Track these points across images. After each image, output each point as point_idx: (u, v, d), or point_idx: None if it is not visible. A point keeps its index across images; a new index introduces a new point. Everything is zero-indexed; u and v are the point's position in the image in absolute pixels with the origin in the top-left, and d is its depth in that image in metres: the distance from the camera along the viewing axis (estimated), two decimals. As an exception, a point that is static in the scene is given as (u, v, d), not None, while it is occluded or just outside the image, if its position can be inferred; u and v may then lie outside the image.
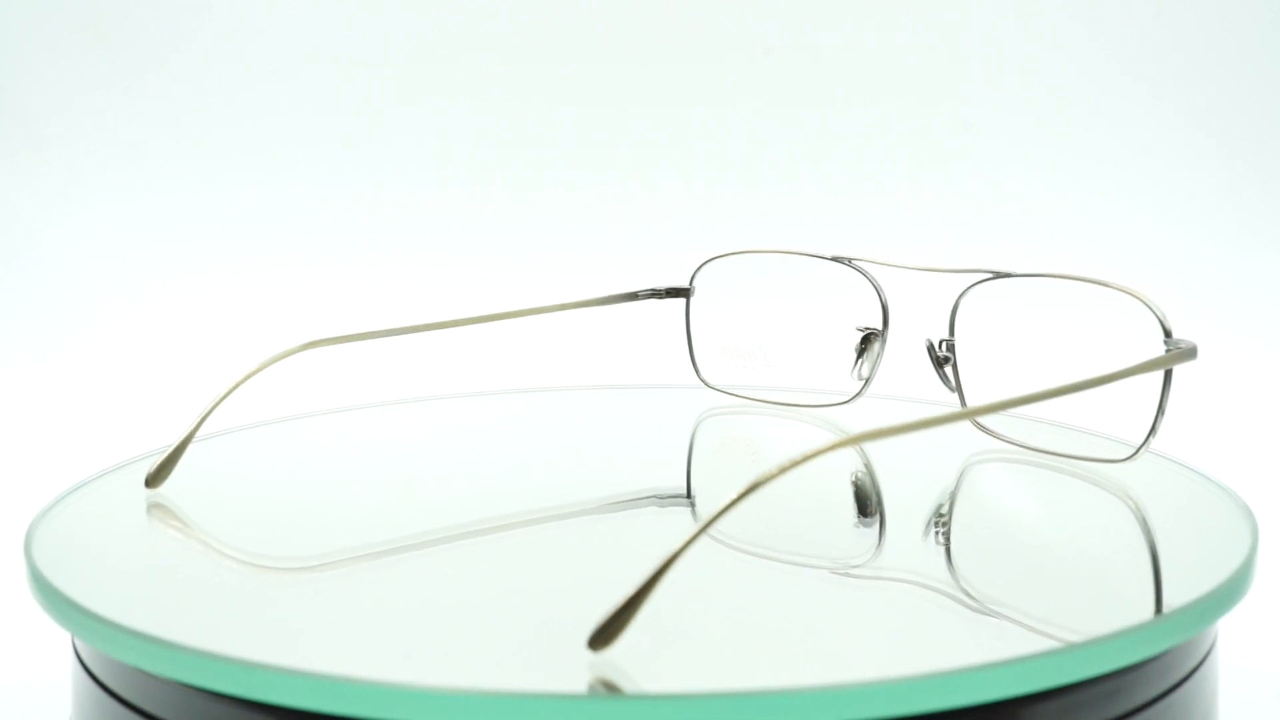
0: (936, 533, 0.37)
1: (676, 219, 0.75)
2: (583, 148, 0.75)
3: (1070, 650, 0.30)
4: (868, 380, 0.45)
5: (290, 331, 0.71)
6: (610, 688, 0.29)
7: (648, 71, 0.76)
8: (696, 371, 0.49)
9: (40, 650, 0.44)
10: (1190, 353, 0.39)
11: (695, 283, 0.49)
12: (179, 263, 0.74)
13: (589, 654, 0.29)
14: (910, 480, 0.43)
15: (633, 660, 0.30)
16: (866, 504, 0.41)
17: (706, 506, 0.40)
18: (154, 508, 0.39)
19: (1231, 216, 0.72)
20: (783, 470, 0.30)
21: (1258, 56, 0.73)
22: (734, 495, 0.30)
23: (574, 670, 0.29)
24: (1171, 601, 0.31)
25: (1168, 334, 0.39)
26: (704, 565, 0.36)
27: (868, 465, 0.43)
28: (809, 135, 0.75)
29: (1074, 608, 0.33)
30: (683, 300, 0.49)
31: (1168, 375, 0.39)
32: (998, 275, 0.42)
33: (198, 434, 0.42)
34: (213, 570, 0.36)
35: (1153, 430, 0.40)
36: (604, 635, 0.29)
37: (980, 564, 0.36)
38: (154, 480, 0.41)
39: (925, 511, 0.40)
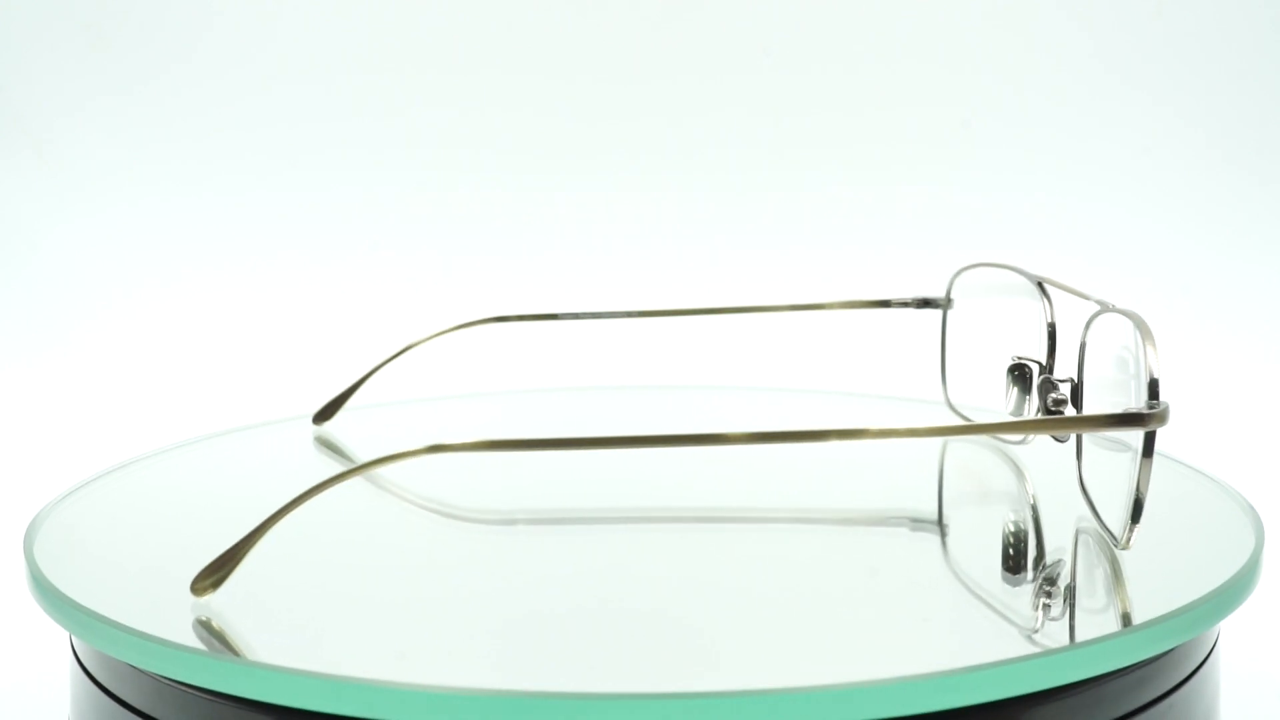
0: (1045, 602, 0.34)
1: (676, 223, 0.75)
2: (572, 155, 0.75)
3: (1070, 650, 0.30)
4: None
5: (293, 333, 0.72)
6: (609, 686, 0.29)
7: (644, 72, 0.76)
8: (945, 390, 0.45)
9: (40, 650, 0.44)
10: (1139, 419, 0.33)
11: (952, 294, 0.45)
12: (180, 263, 0.74)
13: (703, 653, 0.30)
14: (924, 479, 0.43)
15: (630, 658, 0.30)
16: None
17: (959, 535, 0.39)
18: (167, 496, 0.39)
19: (1231, 217, 0.72)
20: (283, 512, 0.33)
21: (1258, 57, 0.73)
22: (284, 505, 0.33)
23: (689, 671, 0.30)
24: (1174, 602, 0.31)
25: (1153, 395, 0.33)
26: (698, 557, 0.36)
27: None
28: (808, 136, 0.75)
29: (1075, 607, 0.33)
30: (926, 311, 0.46)
31: (1148, 443, 0.33)
32: (1105, 309, 0.36)
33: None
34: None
35: (1135, 515, 0.34)
36: (204, 582, 0.32)
37: (980, 562, 0.36)
38: (320, 418, 0.46)
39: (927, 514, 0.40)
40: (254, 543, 0.32)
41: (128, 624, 0.31)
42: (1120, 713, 0.31)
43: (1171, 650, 0.31)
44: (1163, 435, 0.43)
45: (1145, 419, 0.33)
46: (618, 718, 0.27)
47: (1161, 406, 0.33)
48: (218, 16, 0.75)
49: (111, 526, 0.38)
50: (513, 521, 0.40)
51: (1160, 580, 0.34)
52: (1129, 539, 0.34)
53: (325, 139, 0.75)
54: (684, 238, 0.74)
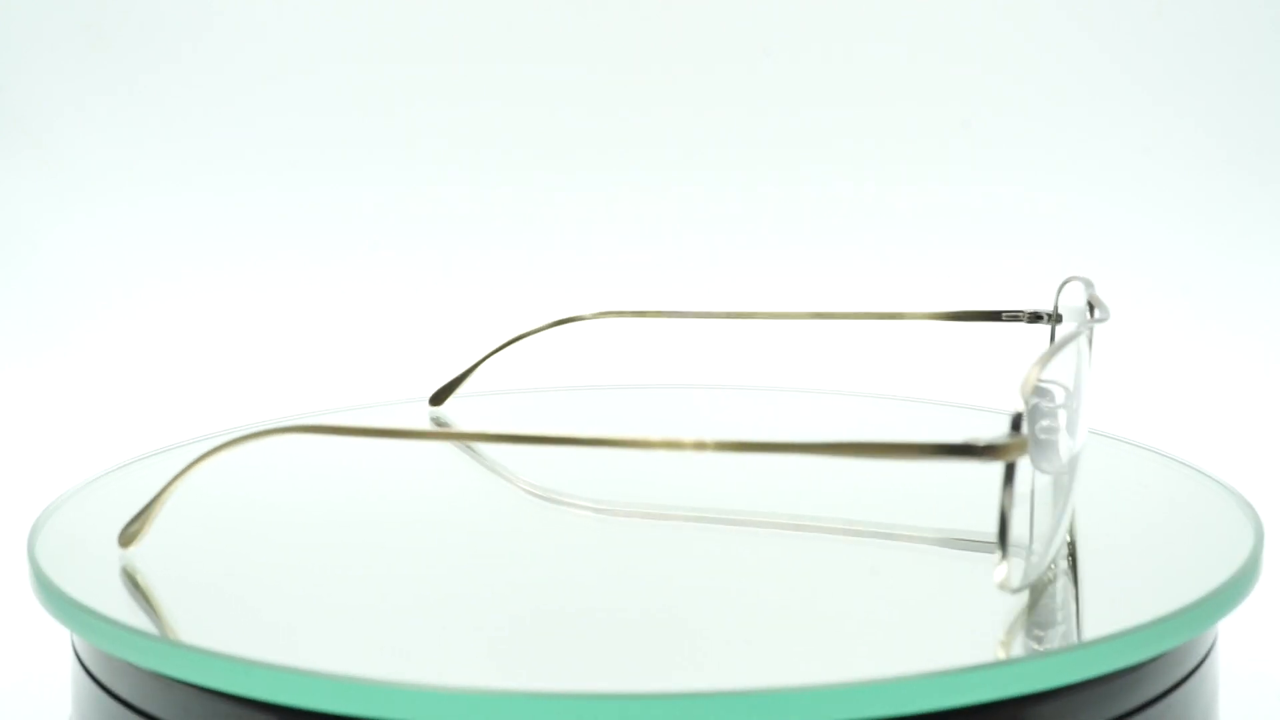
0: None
1: (676, 222, 0.75)
2: (573, 150, 0.75)
3: (1070, 650, 0.30)
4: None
5: (293, 333, 0.72)
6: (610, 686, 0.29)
7: (642, 72, 0.76)
8: None
9: (41, 649, 0.44)
10: (972, 450, 0.29)
11: (1060, 308, 0.42)
12: (180, 263, 0.74)
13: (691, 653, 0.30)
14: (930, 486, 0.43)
15: (634, 659, 0.30)
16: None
17: (964, 540, 0.37)
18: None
19: (1231, 217, 0.72)
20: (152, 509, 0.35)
21: (1258, 57, 0.73)
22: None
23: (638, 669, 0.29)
24: (1173, 602, 0.31)
25: (1016, 426, 0.30)
26: (700, 551, 0.36)
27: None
28: (807, 135, 0.75)
29: (1075, 608, 0.33)
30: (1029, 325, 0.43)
31: (1007, 473, 0.30)
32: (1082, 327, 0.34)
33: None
34: (213, 568, 0.36)
35: (1000, 540, 0.30)
36: (127, 535, 0.35)
37: (980, 563, 0.36)
38: (436, 399, 0.48)
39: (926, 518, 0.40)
40: (163, 501, 0.35)
41: (129, 623, 0.31)
42: (1119, 712, 0.31)
43: (1170, 650, 0.31)
44: (1163, 434, 0.43)
45: (982, 451, 0.29)
46: (614, 717, 0.28)
47: (1010, 439, 0.29)
48: (218, 16, 0.75)
49: (113, 526, 0.38)
50: (573, 504, 0.40)
51: (1160, 580, 0.34)
52: (1006, 577, 0.31)
53: (326, 138, 0.75)
54: (684, 237, 0.74)
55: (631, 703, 0.28)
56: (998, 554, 0.30)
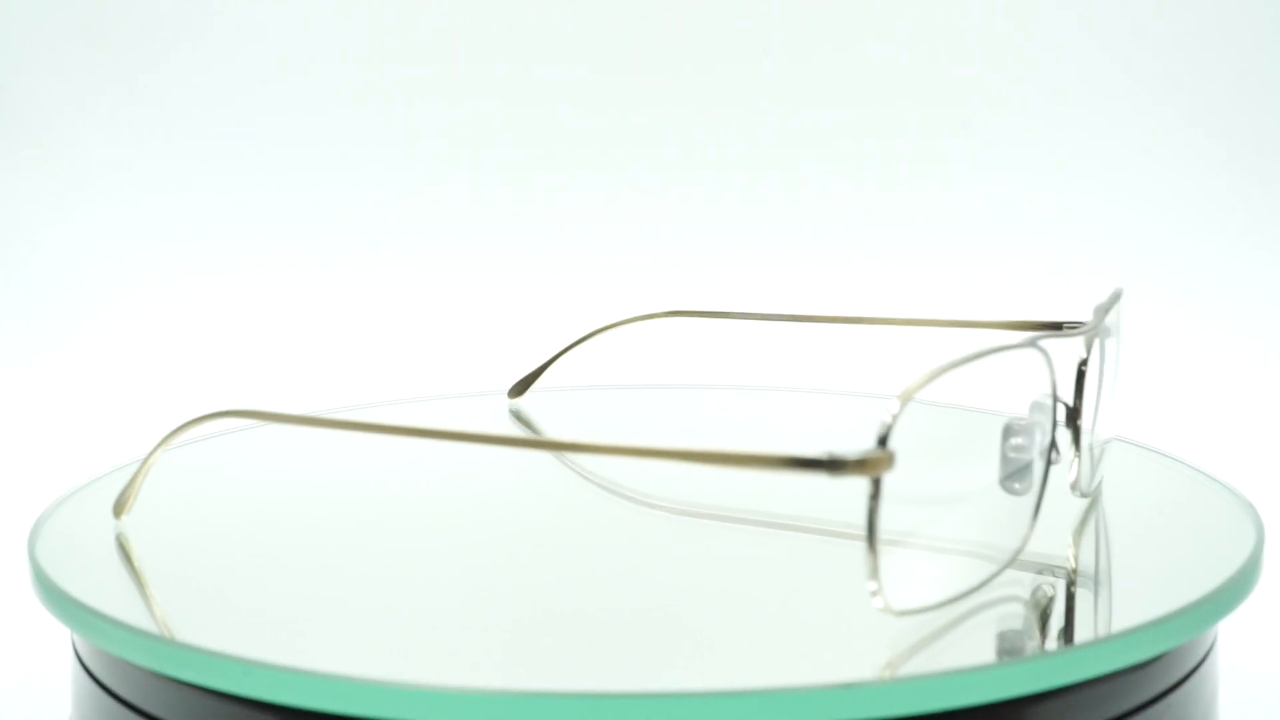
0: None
1: (676, 222, 0.75)
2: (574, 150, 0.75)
3: (1069, 651, 0.30)
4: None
5: (299, 333, 0.72)
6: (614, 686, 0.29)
7: (642, 72, 0.76)
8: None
9: (41, 649, 0.44)
10: (831, 464, 0.27)
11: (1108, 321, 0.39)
12: (180, 263, 0.74)
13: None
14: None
15: (634, 658, 0.30)
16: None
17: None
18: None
19: (1231, 217, 0.72)
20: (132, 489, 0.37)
21: (1258, 57, 0.73)
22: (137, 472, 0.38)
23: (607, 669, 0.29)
24: (1174, 602, 0.31)
25: (881, 441, 0.28)
26: (703, 551, 0.36)
27: None
28: (806, 135, 0.75)
29: (1074, 608, 0.33)
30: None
31: (874, 489, 0.29)
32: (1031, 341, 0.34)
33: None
34: (214, 566, 0.36)
35: (872, 561, 0.29)
36: (117, 506, 0.37)
37: (979, 565, 0.36)
38: (515, 392, 0.49)
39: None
40: (148, 467, 0.38)
41: (129, 623, 0.31)
42: (1119, 712, 0.31)
43: (1170, 650, 0.31)
44: (1163, 434, 0.43)
45: (842, 465, 0.28)
46: (614, 717, 0.28)
47: (872, 454, 0.28)
48: (218, 16, 0.75)
49: (113, 526, 0.38)
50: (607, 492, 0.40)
51: (1160, 580, 0.34)
52: (885, 602, 0.30)
53: (325, 138, 0.75)
54: (684, 237, 0.74)
55: (631, 703, 0.28)
56: (873, 581, 0.29)
